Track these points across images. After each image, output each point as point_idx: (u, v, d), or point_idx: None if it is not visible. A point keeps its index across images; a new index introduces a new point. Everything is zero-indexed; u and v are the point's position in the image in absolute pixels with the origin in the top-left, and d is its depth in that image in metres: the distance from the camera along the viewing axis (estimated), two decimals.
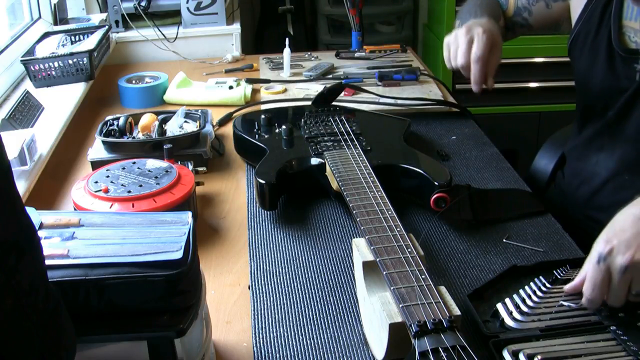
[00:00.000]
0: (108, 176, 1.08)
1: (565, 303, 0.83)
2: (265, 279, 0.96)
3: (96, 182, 1.06)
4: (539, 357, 0.74)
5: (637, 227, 0.79)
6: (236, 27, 2.11)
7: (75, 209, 1.04)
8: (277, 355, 0.81)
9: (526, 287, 0.87)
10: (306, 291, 0.93)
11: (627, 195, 0.88)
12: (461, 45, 1.17)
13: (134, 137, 1.33)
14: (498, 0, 1.38)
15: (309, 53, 1.97)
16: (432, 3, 2.98)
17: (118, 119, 1.36)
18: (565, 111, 2.56)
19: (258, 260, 1.00)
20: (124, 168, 1.10)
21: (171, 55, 2.01)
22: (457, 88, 2.59)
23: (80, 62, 1.61)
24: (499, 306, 0.84)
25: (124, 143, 1.29)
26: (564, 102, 2.63)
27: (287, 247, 1.03)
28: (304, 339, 0.84)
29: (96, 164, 1.23)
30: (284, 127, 1.24)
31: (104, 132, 1.31)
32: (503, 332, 0.80)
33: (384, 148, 1.18)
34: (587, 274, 0.80)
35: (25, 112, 1.39)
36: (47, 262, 0.62)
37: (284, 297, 0.92)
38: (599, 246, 0.80)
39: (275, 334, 0.85)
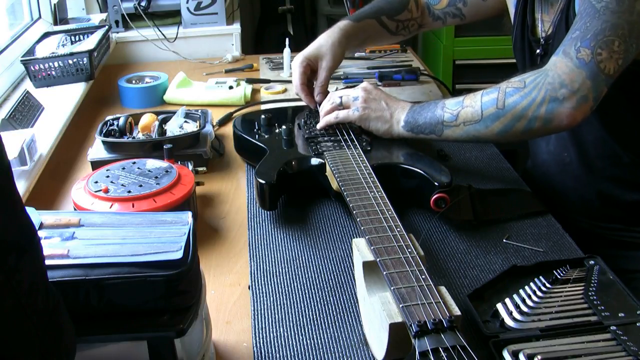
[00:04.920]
0: (108, 176, 1.08)
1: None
2: (265, 279, 0.96)
3: (96, 182, 1.06)
4: (539, 357, 0.74)
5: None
6: (236, 27, 2.11)
7: (75, 209, 1.04)
8: (277, 355, 0.81)
9: (526, 287, 0.86)
10: (306, 291, 0.93)
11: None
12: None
13: (134, 137, 1.33)
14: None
15: None
16: None
17: (118, 119, 1.36)
18: None
19: (258, 260, 1.00)
20: (124, 168, 1.10)
21: (171, 55, 2.01)
22: (457, 88, 2.59)
23: (80, 62, 1.61)
24: (499, 306, 0.84)
25: (124, 143, 1.29)
26: None
27: (287, 247, 1.03)
28: (304, 339, 0.84)
29: (96, 164, 1.23)
30: (284, 127, 1.23)
31: (104, 132, 1.31)
32: (503, 332, 0.80)
33: (384, 148, 1.18)
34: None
35: (25, 112, 1.39)
36: (47, 262, 0.62)
37: (284, 297, 0.92)
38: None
39: (275, 334, 0.85)
